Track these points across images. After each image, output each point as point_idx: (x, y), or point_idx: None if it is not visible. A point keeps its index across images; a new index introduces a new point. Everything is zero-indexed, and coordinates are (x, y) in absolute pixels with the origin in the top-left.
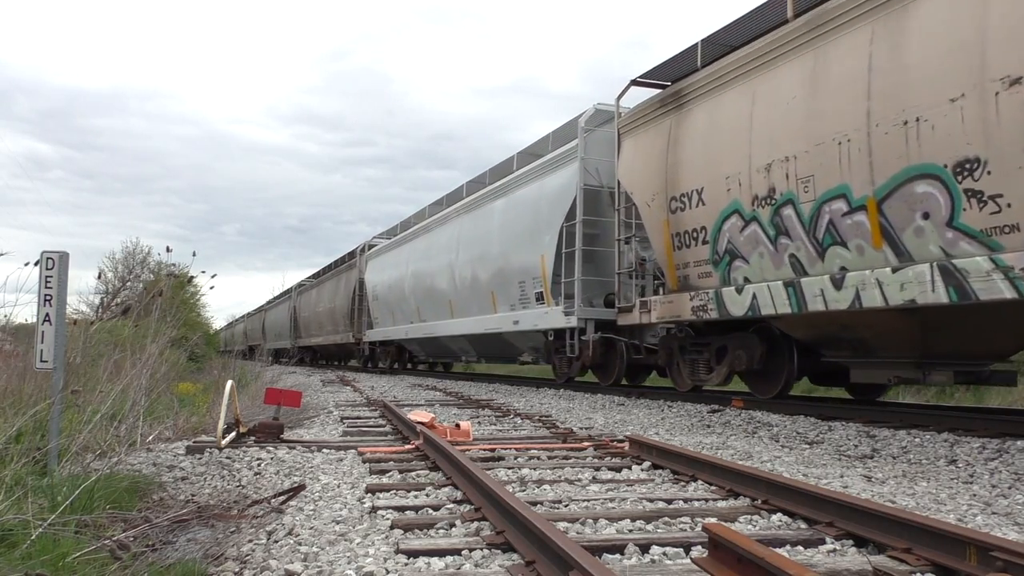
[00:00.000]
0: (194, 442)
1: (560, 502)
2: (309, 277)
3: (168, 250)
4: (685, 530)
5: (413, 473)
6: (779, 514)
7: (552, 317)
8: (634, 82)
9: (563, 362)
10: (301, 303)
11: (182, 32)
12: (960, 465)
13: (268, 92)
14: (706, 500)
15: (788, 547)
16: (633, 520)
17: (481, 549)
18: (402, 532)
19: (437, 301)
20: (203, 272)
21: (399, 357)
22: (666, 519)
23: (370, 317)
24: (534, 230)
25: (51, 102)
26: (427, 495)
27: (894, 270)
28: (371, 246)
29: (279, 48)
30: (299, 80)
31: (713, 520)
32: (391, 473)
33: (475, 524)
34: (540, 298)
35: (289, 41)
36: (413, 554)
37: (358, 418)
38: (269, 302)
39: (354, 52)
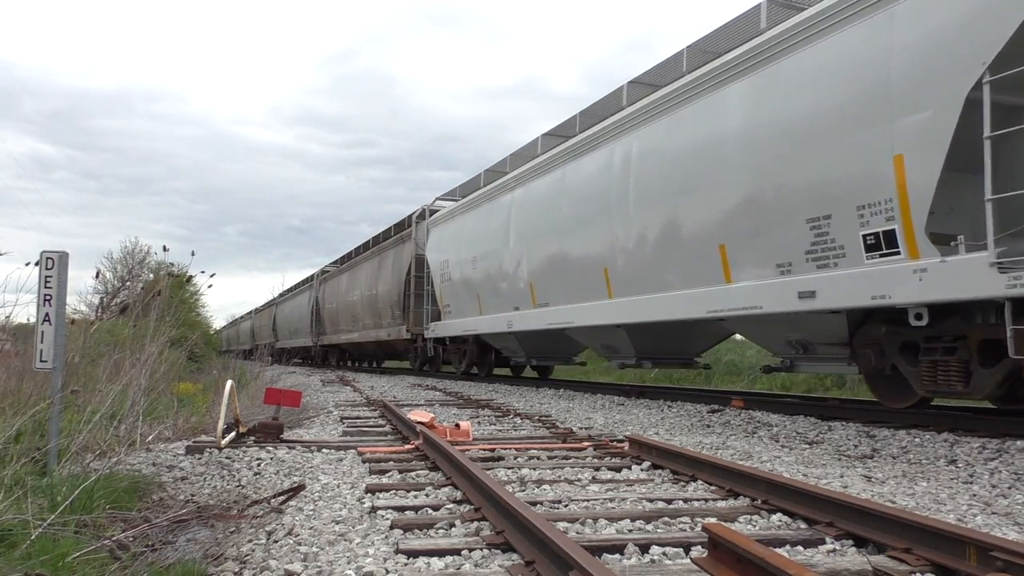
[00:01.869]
0: (194, 442)
1: (560, 502)
2: (334, 263)
3: (165, 249)
4: (685, 530)
5: (413, 473)
6: (779, 514)
7: (954, 278)
8: None
9: (954, 374)
10: (326, 292)
11: (188, 33)
12: (960, 465)
13: (273, 93)
14: (706, 500)
15: (788, 547)
16: (633, 520)
17: (481, 549)
18: (402, 532)
19: (575, 273)
20: (202, 272)
21: (481, 358)
22: (666, 519)
23: (436, 305)
24: (862, 114)
25: (57, 103)
26: (427, 495)
27: None
28: (433, 211)
29: (284, 50)
30: (304, 81)
31: (713, 520)
32: (391, 473)
33: (475, 524)
34: (887, 243)
35: (294, 43)
36: (413, 554)
37: (358, 418)
38: (282, 294)
39: (359, 54)
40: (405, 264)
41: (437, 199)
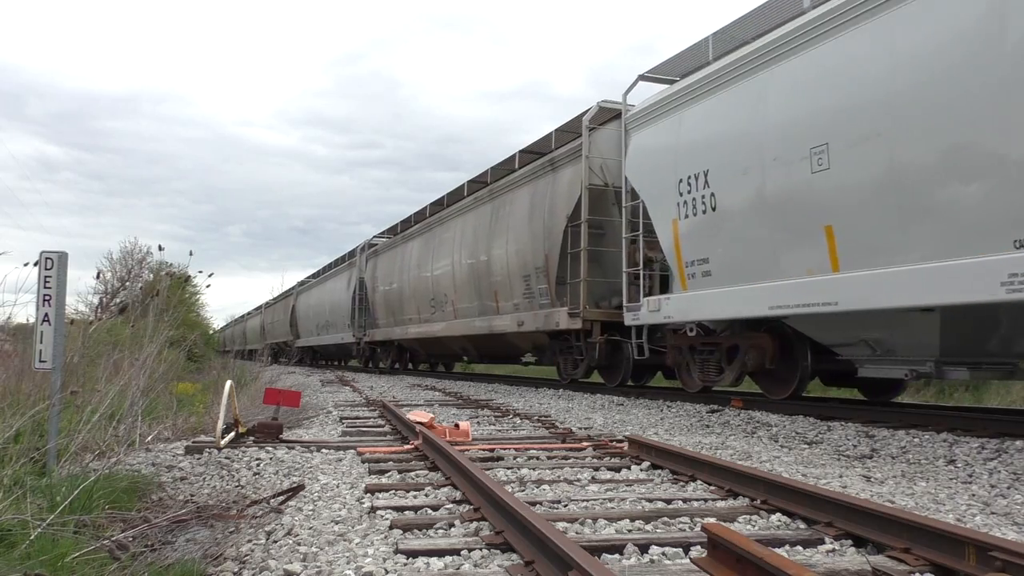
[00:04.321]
0: (193, 442)
1: (559, 502)
2: (387, 231)
3: (160, 248)
4: (684, 530)
5: (412, 473)
6: (778, 514)
7: None
8: None
9: None
10: (379, 271)
11: (196, 36)
12: (959, 465)
13: (279, 95)
14: (705, 500)
15: (787, 547)
16: (632, 520)
17: (480, 549)
18: (401, 532)
19: None
20: (200, 272)
21: (783, 361)
22: (665, 519)
23: (650, 266)
24: None
25: (64, 105)
26: (426, 495)
27: None
28: (633, 118)
29: (291, 53)
30: (310, 84)
31: (712, 520)
32: (390, 473)
33: (474, 524)
34: None
35: (301, 46)
36: (412, 554)
37: (357, 418)
38: (303, 282)
39: (365, 56)
40: (564, 200)
41: (647, 74)
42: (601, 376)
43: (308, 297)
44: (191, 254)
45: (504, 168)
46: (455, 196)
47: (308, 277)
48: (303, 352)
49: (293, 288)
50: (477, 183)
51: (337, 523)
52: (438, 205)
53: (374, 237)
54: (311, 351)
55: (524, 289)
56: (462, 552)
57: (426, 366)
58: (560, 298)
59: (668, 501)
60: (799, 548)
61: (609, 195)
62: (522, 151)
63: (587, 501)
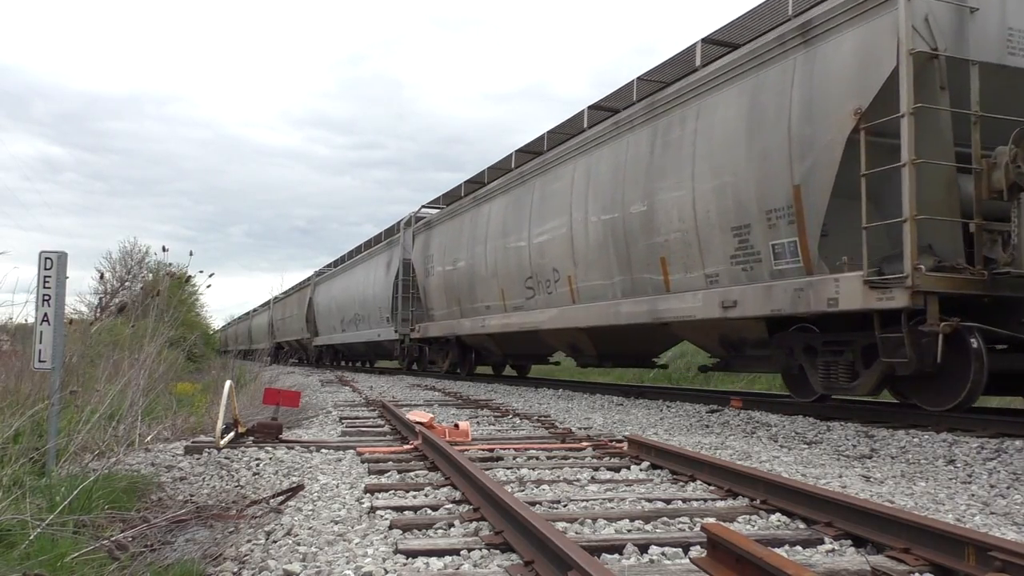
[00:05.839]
0: (192, 442)
1: (559, 502)
2: (436, 200)
3: (164, 249)
4: (684, 530)
5: (412, 473)
6: (778, 514)
7: None
8: None
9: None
10: (432, 247)
11: (200, 38)
12: (959, 465)
13: (283, 97)
14: (705, 500)
15: (787, 547)
16: (632, 520)
17: (480, 549)
18: (401, 532)
19: None
20: (200, 272)
21: None
22: (665, 519)
23: None
24: None
25: (68, 106)
26: (426, 495)
27: None
28: None
29: (295, 54)
30: (314, 85)
31: (712, 520)
32: (390, 473)
33: (474, 524)
34: None
35: (305, 47)
36: (412, 554)
37: (357, 418)
38: (321, 271)
39: (368, 58)
40: (844, 88)
41: None
42: (908, 395)
43: (330, 288)
44: (191, 254)
45: (664, 73)
46: (563, 132)
47: (327, 266)
48: (322, 352)
49: (310, 278)
50: (604, 109)
51: (337, 523)
52: (530, 153)
53: (422, 208)
54: (332, 350)
55: (735, 248)
56: (462, 552)
57: (480, 367)
58: (827, 258)
59: (668, 501)
60: (799, 548)
61: (936, 71)
62: (707, 39)
63: (587, 501)
